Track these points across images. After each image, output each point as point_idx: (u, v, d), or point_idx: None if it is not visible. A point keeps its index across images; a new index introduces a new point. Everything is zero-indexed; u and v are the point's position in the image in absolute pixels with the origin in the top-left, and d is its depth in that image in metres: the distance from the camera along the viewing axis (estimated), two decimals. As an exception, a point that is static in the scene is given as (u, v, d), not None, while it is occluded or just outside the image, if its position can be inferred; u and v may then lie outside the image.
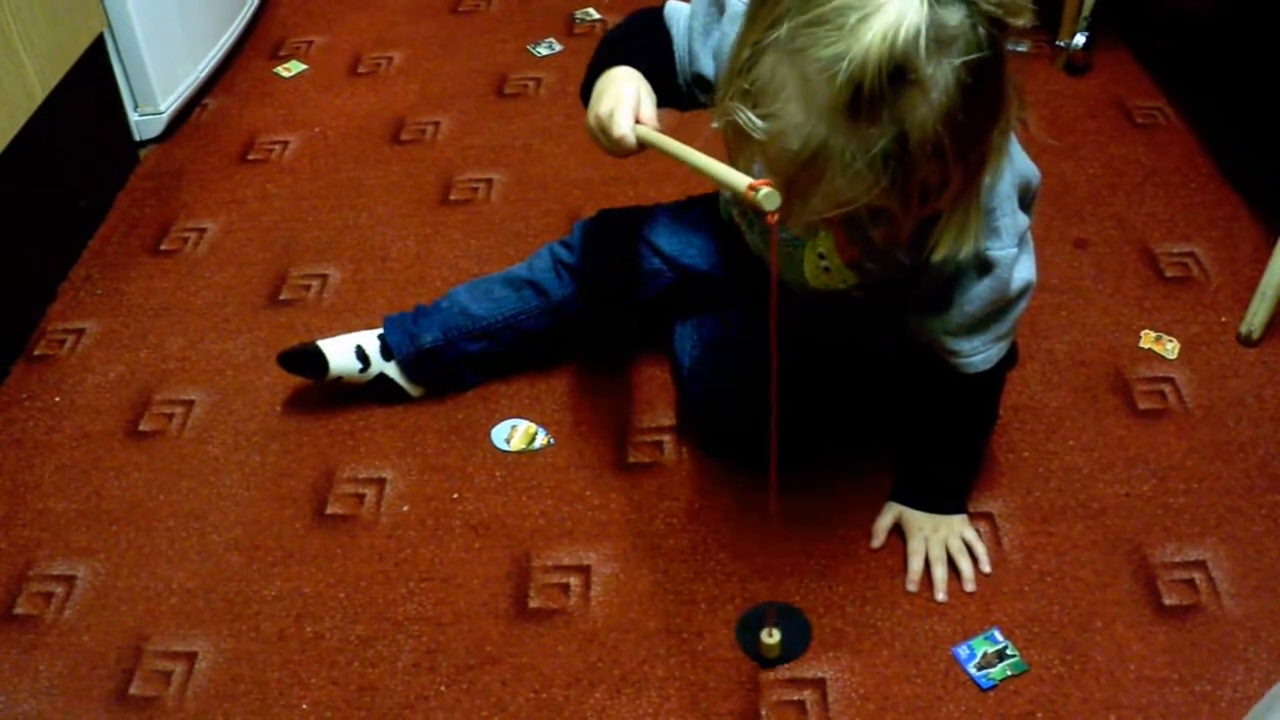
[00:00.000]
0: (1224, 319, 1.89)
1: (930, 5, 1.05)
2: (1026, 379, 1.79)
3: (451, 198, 2.21)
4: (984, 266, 1.37)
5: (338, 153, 2.35)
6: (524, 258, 1.82)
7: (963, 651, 1.45)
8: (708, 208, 1.76)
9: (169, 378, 1.87)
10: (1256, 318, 1.84)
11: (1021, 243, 1.40)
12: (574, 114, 2.38)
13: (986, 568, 1.54)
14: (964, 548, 1.55)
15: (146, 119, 2.36)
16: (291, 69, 2.63)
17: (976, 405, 1.58)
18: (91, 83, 2.20)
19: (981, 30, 1.08)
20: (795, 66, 1.10)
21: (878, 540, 1.58)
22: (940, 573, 1.53)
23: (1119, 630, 1.47)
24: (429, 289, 1.97)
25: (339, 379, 1.75)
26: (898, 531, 1.59)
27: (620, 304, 1.76)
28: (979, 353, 1.45)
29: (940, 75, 1.08)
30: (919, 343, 1.49)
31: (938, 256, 1.27)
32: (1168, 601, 1.50)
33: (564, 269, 1.76)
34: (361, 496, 1.68)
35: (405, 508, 1.66)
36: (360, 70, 2.62)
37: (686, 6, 1.49)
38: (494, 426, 1.76)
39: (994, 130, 1.18)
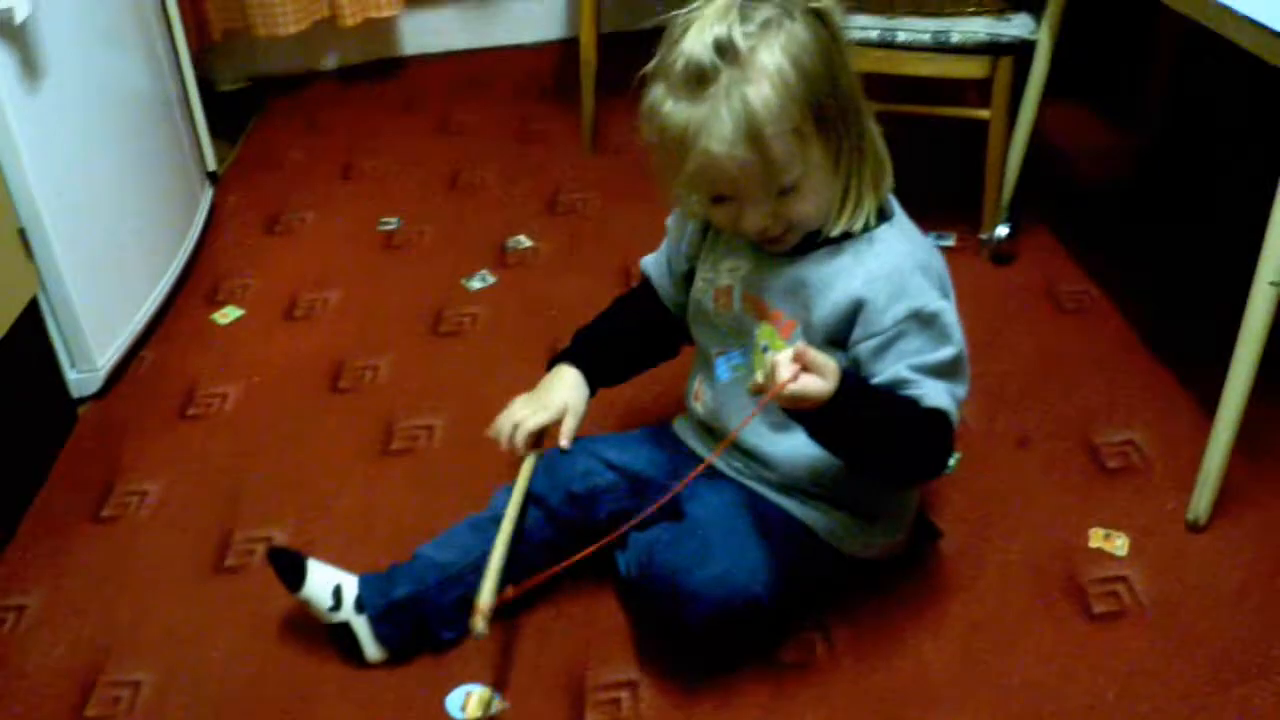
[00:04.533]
0: (1170, 506, 1.91)
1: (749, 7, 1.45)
2: (983, 591, 1.80)
3: (393, 447, 2.19)
4: (927, 320, 1.53)
5: (277, 403, 2.34)
6: (471, 507, 1.82)
7: None
8: (656, 429, 1.87)
9: (115, 654, 1.82)
10: (1202, 503, 1.86)
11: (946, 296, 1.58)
12: (511, 349, 2.41)
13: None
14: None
15: (84, 376, 2.34)
16: (228, 315, 2.63)
17: (919, 438, 1.56)
18: (25, 345, 2.19)
19: (801, 18, 1.46)
20: (660, 75, 1.49)
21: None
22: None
23: None
24: (375, 545, 1.94)
25: (305, 603, 1.73)
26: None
27: (584, 524, 1.76)
28: (931, 390, 1.53)
29: (766, 48, 1.43)
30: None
31: (836, 230, 1.56)
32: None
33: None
34: (317, 776, 1.64)
35: (362, 784, 1.62)
36: (297, 314, 2.63)
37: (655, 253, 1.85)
38: (448, 694, 1.71)
39: (852, 113, 1.51)
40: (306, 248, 2.90)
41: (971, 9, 2.42)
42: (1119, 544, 1.85)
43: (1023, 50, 2.41)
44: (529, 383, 1.69)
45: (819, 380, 1.42)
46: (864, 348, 1.56)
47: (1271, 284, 1.66)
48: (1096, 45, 3.02)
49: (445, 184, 3.15)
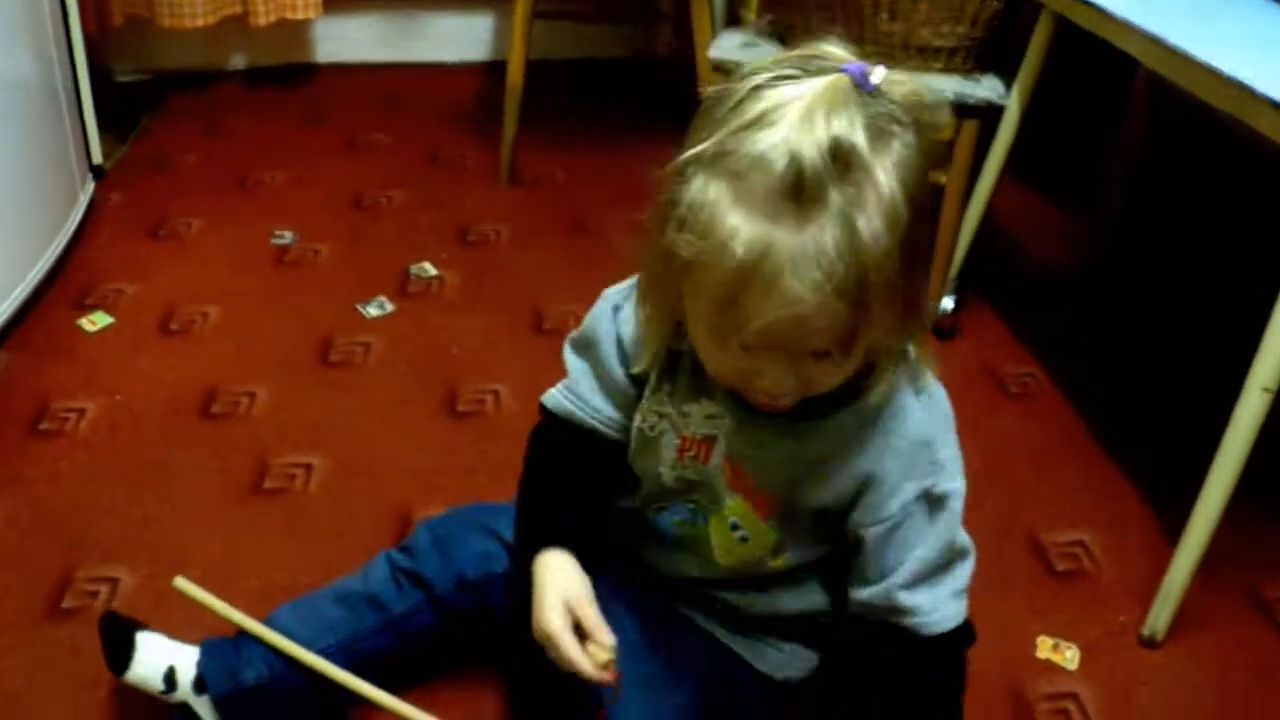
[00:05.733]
0: (1123, 618, 1.80)
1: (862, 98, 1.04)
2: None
3: (265, 486, 1.98)
4: (935, 503, 1.26)
5: (140, 426, 2.12)
6: (345, 562, 1.63)
7: None
8: None
9: (-73, 706, 1.60)
10: (1160, 620, 1.75)
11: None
12: (404, 389, 2.23)
13: None
14: None
15: (-73, 376, 2.12)
16: (97, 322, 2.42)
17: (940, 688, 1.33)
18: None
19: (912, 130, 1.06)
20: (727, 170, 1.04)
21: None
22: None
23: None
24: (237, 596, 1.69)
25: (133, 686, 1.51)
26: None
27: (475, 611, 1.56)
28: (938, 609, 1.27)
29: (881, 165, 1.03)
30: (864, 620, 1.32)
31: (873, 399, 1.20)
32: None
33: (404, 577, 1.56)
34: None
35: None
36: (172, 327, 2.42)
37: (557, 388, 1.44)
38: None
39: (925, 260, 1.12)
40: (191, 257, 2.70)
41: (939, 66, 2.30)
42: (1069, 655, 1.73)
43: (989, 114, 2.31)
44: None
45: None
46: (870, 533, 1.28)
47: (1265, 390, 1.52)
48: (1057, 129, 2.93)
49: (348, 203, 2.98)
